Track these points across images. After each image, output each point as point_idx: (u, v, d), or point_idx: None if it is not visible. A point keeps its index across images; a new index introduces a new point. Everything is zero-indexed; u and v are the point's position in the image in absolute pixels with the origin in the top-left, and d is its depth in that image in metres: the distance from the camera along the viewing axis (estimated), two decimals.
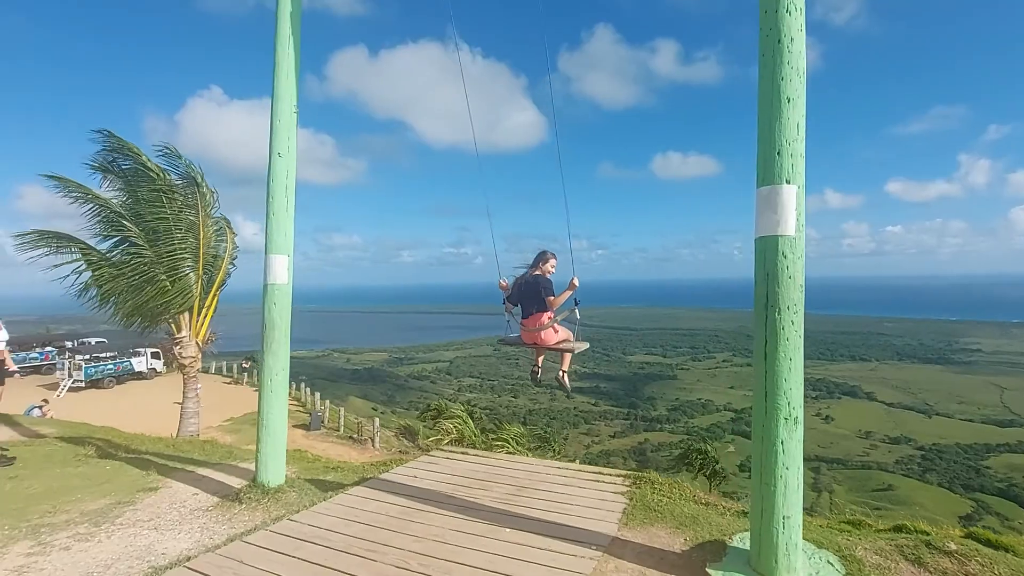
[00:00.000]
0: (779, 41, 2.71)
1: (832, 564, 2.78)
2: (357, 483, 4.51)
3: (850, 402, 71.58)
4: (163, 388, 27.76)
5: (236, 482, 4.91)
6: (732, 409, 73.72)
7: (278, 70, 4.66)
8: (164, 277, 10.81)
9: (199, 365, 11.91)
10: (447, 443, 10.82)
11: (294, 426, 26.22)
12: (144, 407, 21.51)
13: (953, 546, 2.89)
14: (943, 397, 67.55)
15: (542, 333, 4.63)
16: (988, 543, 3.07)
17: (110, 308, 10.79)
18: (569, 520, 3.54)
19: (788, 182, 2.68)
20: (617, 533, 3.35)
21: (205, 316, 11.92)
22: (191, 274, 11.20)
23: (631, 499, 3.88)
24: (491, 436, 12.22)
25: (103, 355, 30.28)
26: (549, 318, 4.60)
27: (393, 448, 23.32)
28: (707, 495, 4.12)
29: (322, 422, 25.55)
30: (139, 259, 10.59)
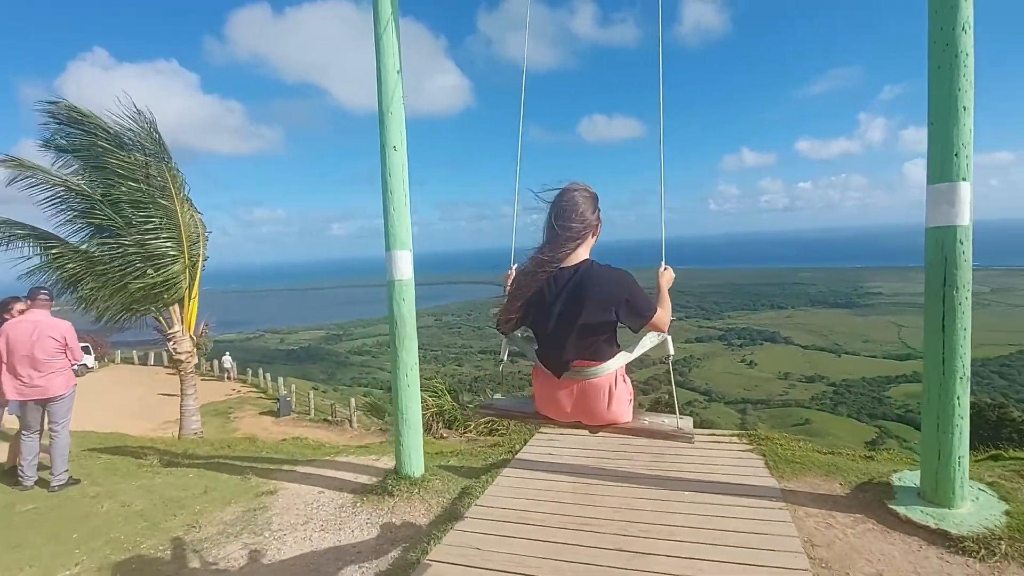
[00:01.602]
0: (956, 56, 3.06)
1: (984, 491, 3.37)
2: (496, 465, 4.70)
3: (771, 347, 78.06)
4: (105, 385, 25.77)
5: (358, 477, 4.95)
6: (666, 361, 78.20)
7: (383, 60, 4.51)
8: (149, 268, 10.06)
9: (195, 360, 11.28)
10: (428, 417, 10.75)
11: (259, 413, 25.34)
12: (102, 405, 19.93)
13: None
14: (850, 337, 75.33)
15: (597, 408, 2.00)
16: None
17: (89, 307, 9.98)
18: (728, 479, 3.95)
19: (964, 179, 3.10)
20: (781, 485, 3.81)
21: (192, 307, 11.24)
22: (176, 264, 10.47)
23: (763, 455, 4.36)
24: (470, 408, 12.19)
25: None
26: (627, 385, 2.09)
27: (371, 428, 23.18)
28: (815, 448, 4.68)
29: (291, 407, 24.86)
30: (119, 250, 9.78)
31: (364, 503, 4.33)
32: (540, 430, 5.34)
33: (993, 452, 4.23)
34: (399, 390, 4.50)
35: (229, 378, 31.07)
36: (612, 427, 2.10)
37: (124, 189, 9.76)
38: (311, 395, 25.34)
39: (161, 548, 3.83)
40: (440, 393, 12.31)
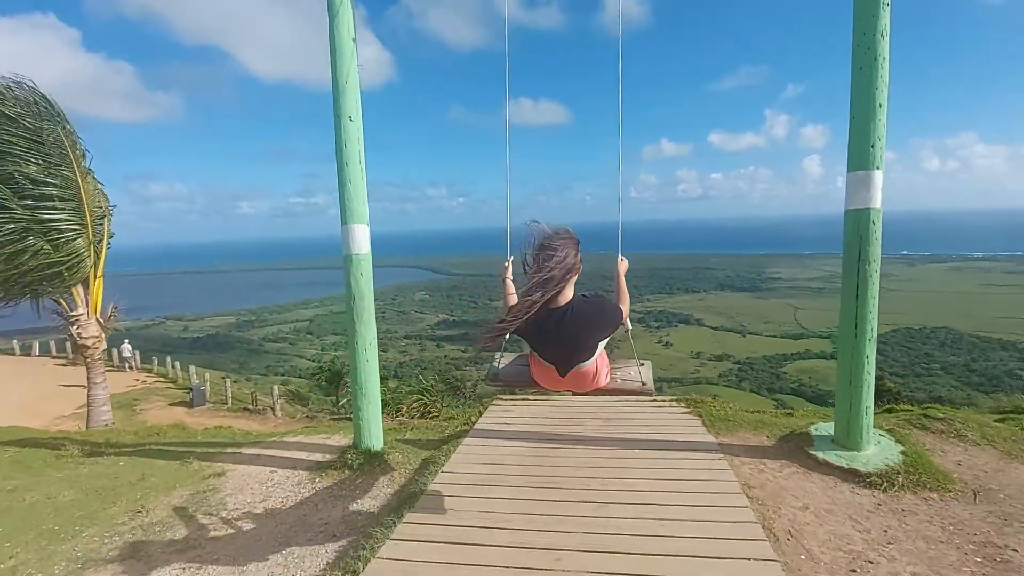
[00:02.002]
0: (875, 59, 3.52)
1: (884, 436, 3.96)
2: (455, 436, 4.83)
3: (685, 328, 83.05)
4: None
5: (312, 455, 4.89)
6: None
7: (337, 26, 4.40)
8: (45, 243, 9.08)
9: (103, 346, 10.35)
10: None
11: (169, 404, 23.61)
12: None
13: (940, 415, 4.28)
14: (754, 319, 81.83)
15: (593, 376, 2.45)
16: (940, 415, 4.52)
17: None
18: (672, 436, 4.34)
19: (878, 168, 3.59)
20: (717, 439, 4.25)
21: (97, 288, 10.28)
22: (79, 239, 9.53)
23: (700, 415, 4.81)
24: (405, 389, 12.23)
25: None
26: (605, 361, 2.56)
27: (296, 416, 22.34)
28: (744, 408, 5.22)
29: (206, 397, 23.37)
30: (8, 222, 8.74)
31: (324, 478, 4.31)
32: (493, 403, 5.51)
33: (887, 406, 4.95)
34: (358, 364, 4.49)
35: (130, 368, 28.67)
36: (595, 391, 2.58)
37: (14, 159, 8.72)
38: (228, 384, 23.99)
39: (107, 535, 3.63)
40: (434, 383, 12.34)
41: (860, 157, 3.61)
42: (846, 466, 3.58)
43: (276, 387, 23.28)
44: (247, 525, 3.66)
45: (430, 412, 10.06)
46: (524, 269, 2.20)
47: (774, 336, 75.48)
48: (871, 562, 2.67)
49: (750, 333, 77.59)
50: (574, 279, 2.20)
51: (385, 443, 4.68)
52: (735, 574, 2.59)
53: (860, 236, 3.66)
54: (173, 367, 27.78)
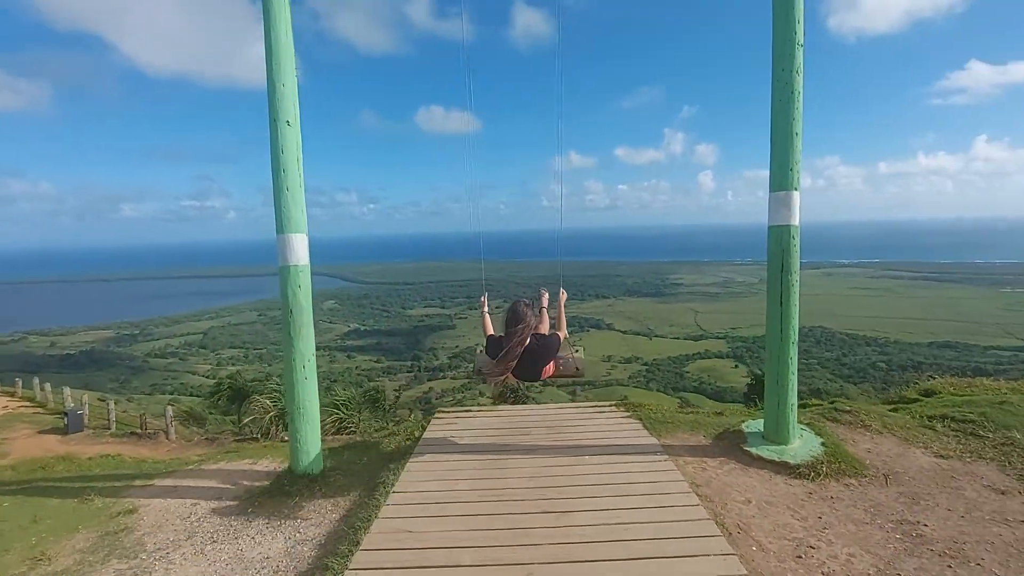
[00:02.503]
0: (791, 93, 3.89)
1: (805, 430, 4.35)
2: (397, 454, 4.64)
3: (596, 333, 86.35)
4: None
5: (239, 483, 4.50)
6: None
7: (273, 24, 4.14)
8: None
9: None
10: (267, 421, 9.88)
11: (39, 432, 20.70)
12: None
13: (847, 407, 4.78)
14: (660, 322, 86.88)
15: (545, 371, 4.06)
16: (847, 408, 5.06)
17: None
18: (618, 441, 4.48)
19: (796, 189, 3.96)
20: (660, 441, 4.44)
21: None
22: None
23: (639, 419, 5.01)
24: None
25: None
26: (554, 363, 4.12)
27: (194, 439, 20.44)
28: (679, 409, 5.51)
29: (83, 422, 20.74)
30: None
31: (258, 509, 3.97)
32: (436, 416, 5.39)
33: (801, 401, 5.43)
34: (295, 383, 4.21)
35: None
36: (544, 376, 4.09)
37: None
38: (111, 405, 21.47)
39: None
40: (279, 394, 11.29)
41: (781, 179, 3.97)
42: (778, 459, 3.90)
43: (169, 407, 21.23)
44: (174, 567, 3.28)
45: (347, 428, 9.50)
46: (505, 325, 3.91)
47: (677, 338, 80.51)
48: (812, 547, 2.92)
49: (656, 336, 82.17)
50: (535, 326, 3.92)
51: (324, 465, 4.42)
52: (698, 570, 2.72)
53: (782, 249, 4.01)
54: (42, 389, 24.43)
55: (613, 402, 5.62)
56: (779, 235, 4.03)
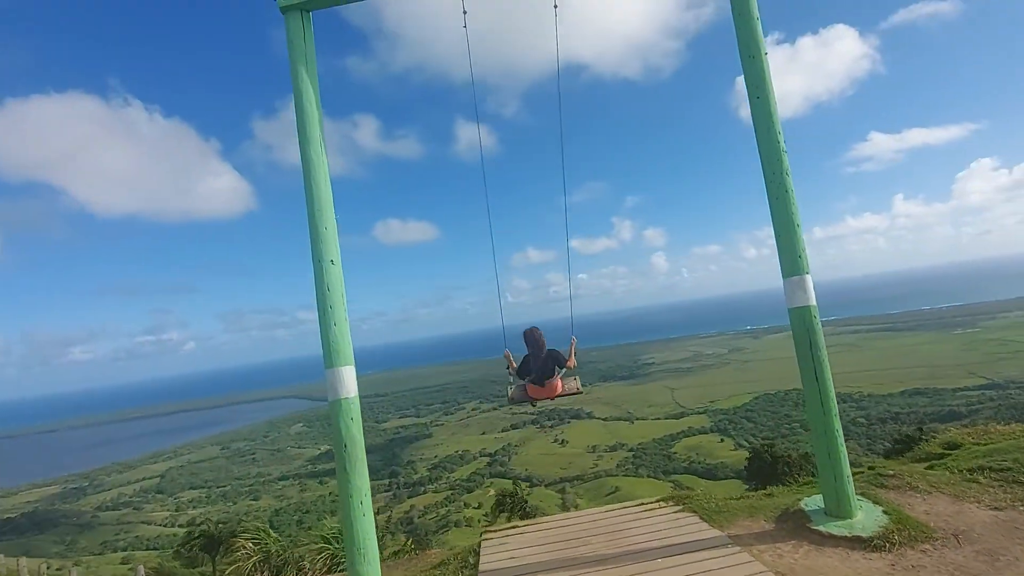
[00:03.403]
0: (785, 192, 4.47)
1: (862, 500, 4.44)
2: None
3: (578, 423, 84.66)
4: None
5: None
6: (487, 454, 79.03)
7: (313, 174, 4.52)
8: None
9: None
10: (250, 567, 8.80)
11: None
12: None
13: (891, 472, 4.94)
14: (639, 404, 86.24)
15: (555, 387, 5.97)
16: (890, 472, 5.22)
17: None
18: (682, 539, 4.44)
19: (807, 272, 4.41)
20: (725, 532, 4.44)
21: None
22: None
23: (693, 511, 4.99)
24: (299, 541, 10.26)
25: None
26: (560, 379, 6.01)
27: None
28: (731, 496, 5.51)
29: None
30: None
31: None
32: (484, 538, 5.20)
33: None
34: (353, 521, 4.09)
35: None
36: (554, 395, 5.88)
37: None
38: (73, 573, 19.22)
39: None
40: (262, 533, 10.15)
41: (792, 265, 4.43)
42: (849, 535, 3.96)
43: (141, 567, 19.15)
44: None
45: (339, 564, 8.58)
46: (526, 344, 5.83)
47: (658, 418, 79.71)
48: None
49: (637, 418, 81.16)
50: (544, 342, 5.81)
51: None
52: None
53: (807, 328, 4.37)
54: None
55: (659, 498, 5.59)
56: (801, 316, 4.40)
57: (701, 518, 4.81)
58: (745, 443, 61.66)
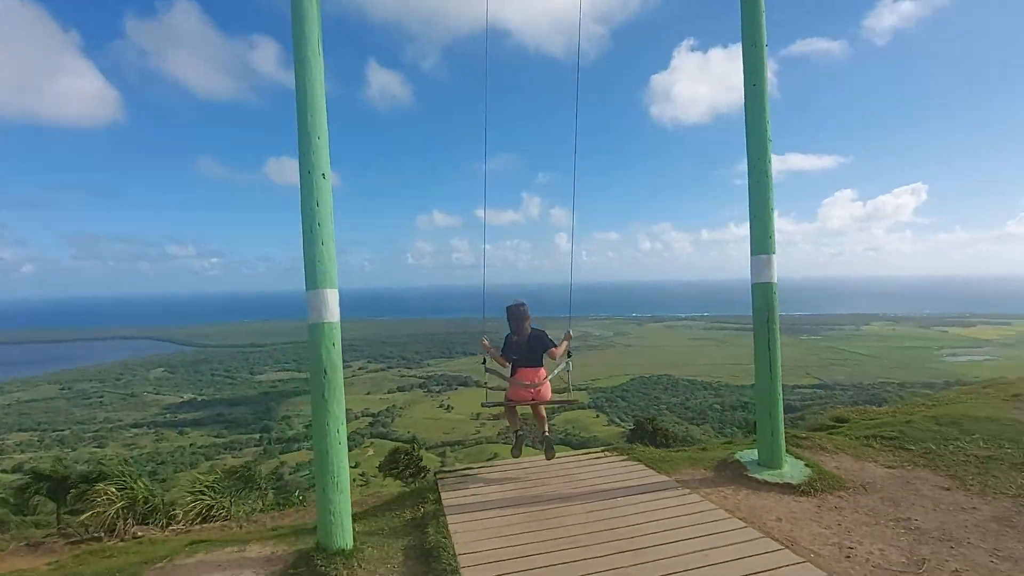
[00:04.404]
0: (765, 176, 4.89)
1: (788, 456, 5.08)
2: (418, 521, 4.43)
3: (465, 391, 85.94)
4: None
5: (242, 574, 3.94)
6: (370, 414, 77.98)
7: (308, 76, 4.11)
8: None
9: None
10: (112, 515, 7.94)
11: None
12: None
13: (804, 435, 5.69)
14: None
15: (542, 388, 5.23)
16: (804, 435, 6.01)
17: None
18: (635, 482, 4.81)
19: (773, 252, 4.89)
20: (673, 478, 4.87)
21: None
22: None
23: (638, 460, 5.40)
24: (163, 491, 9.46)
25: None
26: (546, 373, 5.26)
27: (10, 547, 16.10)
28: (668, 449, 6.01)
29: None
30: None
31: None
32: (440, 479, 5.23)
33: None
34: (329, 449, 3.92)
35: None
36: (542, 399, 5.36)
37: None
38: None
39: None
40: (131, 479, 9.12)
41: (763, 245, 4.88)
42: (781, 482, 4.56)
43: None
44: None
45: (215, 515, 7.97)
46: (509, 320, 5.33)
47: None
48: (851, 548, 3.53)
49: None
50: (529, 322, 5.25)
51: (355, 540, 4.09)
52: None
53: (767, 303, 4.86)
54: None
55: (603, 448, 5.97)
56: (763, 291, 4.88)
57: (647, 466, 5.23)
58: (617, 420, 66.60)
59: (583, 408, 75.48)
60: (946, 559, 3.35)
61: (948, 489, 4.35)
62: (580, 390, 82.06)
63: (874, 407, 7.08)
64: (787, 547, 3.52)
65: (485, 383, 5.46)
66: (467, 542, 3.86)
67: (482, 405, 5.53)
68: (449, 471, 5.45)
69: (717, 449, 5.64)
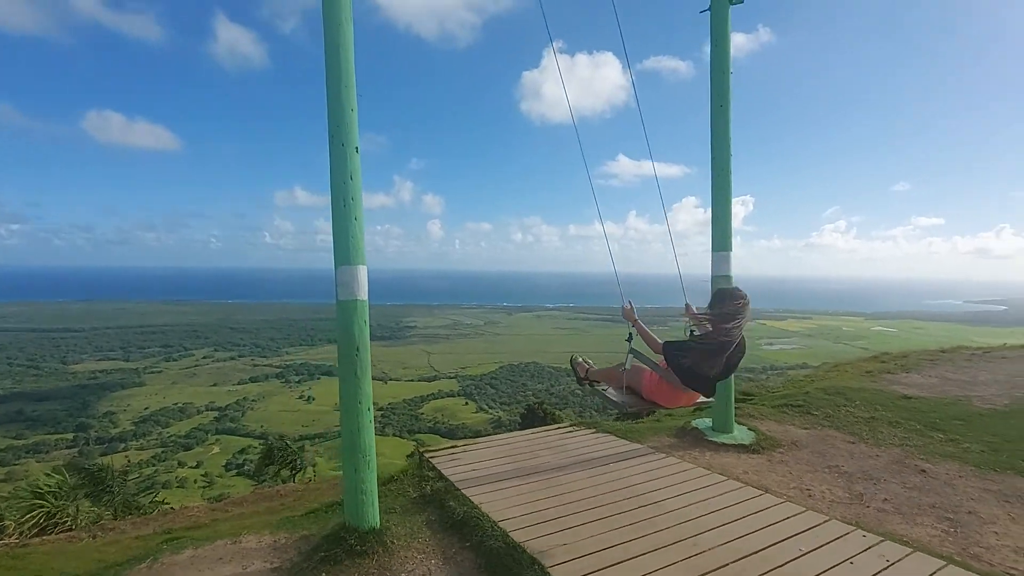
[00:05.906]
0: (727, 173, 5.69)
1: (736, 425, 5.99)
2: (424, 499, 4.49)
3: (328, 380, 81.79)
4: None
5: (270, 562, 3.72)
6: (215, 408, 71.02)
7: (342, 42, 3.94)
8: None
9: None
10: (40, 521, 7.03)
11: None
12: None
13: (735, 405, 6.72)
14: (394, 366, 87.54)
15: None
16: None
17: None
18: (617, 450, 5.35)
19: (731, 249, 5.73)
20: (645, 444, 5.50)
21: None
22: None
23: (609, 432, 5.95)
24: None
25: None
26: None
27: None
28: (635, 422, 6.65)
29: None
30: None
31: (315, 570, 3.47)
32: (433, 457, 5.28)
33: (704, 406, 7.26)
34: (360, 428, 3.86)
35: None
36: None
37: None
38: None
39: None
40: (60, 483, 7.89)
41: (723, 241, 5.70)
42: (735, 444, 5.43)
43: None
44: None
45: (60, 522, 6.98)
46: (712, 309, 3.60)
47: (412, 380, 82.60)
48: (808, 489, 4.42)
49: (391, 379, 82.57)
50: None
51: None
52: (769, 519, 3.85)
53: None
54: None
55: (570, 423, 6.45)
56: (718, 283, 5.70)
57: (617, 436, 5.83)
58: (486, 407, 68.43)
59: (452, 396, 76.25)
60: (875, 492, 4.38)
61: (853, 443, 5.56)
62: (450, 378, 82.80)
63: (765, 383, 8.57)
64: (765, 492, 4.30)
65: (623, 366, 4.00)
66: (499, 510, 4.06)
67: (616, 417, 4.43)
68: (434, 449, 5.52)
69: (674, 419, 6.44)
